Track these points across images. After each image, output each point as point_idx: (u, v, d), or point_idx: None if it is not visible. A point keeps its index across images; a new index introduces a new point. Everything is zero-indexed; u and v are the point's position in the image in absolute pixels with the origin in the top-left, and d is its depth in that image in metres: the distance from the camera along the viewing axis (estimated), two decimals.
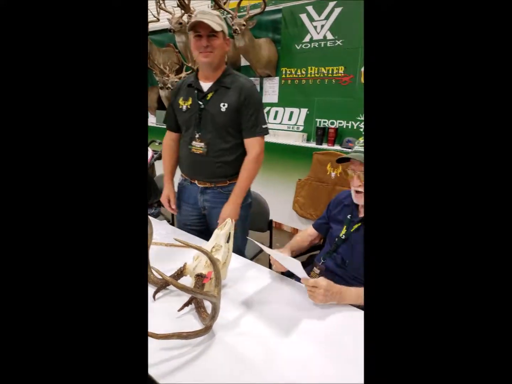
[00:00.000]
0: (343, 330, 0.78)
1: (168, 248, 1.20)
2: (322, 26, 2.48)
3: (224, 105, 1.20)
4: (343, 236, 1.05)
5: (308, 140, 2.70)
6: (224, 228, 0.95)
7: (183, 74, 3.06)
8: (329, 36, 2.45)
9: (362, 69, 2.35)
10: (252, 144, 1.24)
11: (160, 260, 1.02)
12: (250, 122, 1.21)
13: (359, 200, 1.00)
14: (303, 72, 2.66)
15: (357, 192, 0.99)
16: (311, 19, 2.53)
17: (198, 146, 1.25)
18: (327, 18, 2.44)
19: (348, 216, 1.06)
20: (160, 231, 1.29)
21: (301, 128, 2.77)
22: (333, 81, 2.51)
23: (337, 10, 2.38)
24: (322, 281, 0.85)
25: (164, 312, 0.83)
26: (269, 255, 0.98)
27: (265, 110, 2.98)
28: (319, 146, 2.51)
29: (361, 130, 2.43)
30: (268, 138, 2.68)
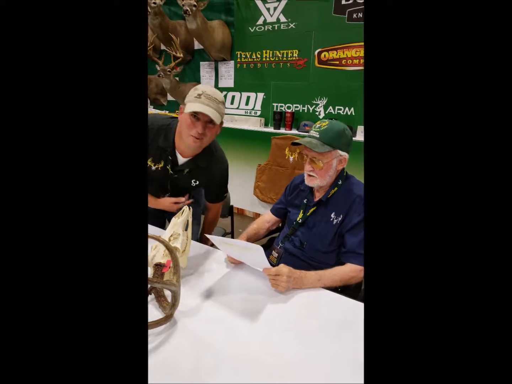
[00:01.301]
0: (305, 312, 0.81)
1: None
2: (275, 8, 2.46)
3: (195, 182, 1.24)
4: (300, 220, 1.07)
5: (266, 125, 2.72)
6: (182, 216, 0.93)
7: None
8: (282, 18, 2.45)
9: (316, 52, 2.38)
10: (213, 207, 1.36)
11: None
12: (214, 194, 1.31)
13: (310, 183, 1.02)
14: (258, 56, 2.64)
15: (309, 175, 1.01)
16: (264, 1, 2.49)
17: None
18: (279, 0, 2.42)
19: (304, 201, 1.09)
20: None
21: (259, 113, 2.77)
22: (288, 64, 2.52)
23: None
24: (283, 267, 0.85)
25: None
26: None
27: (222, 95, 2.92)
28: (277, 131, 2.53)
29: (317, 114, 2.49)
30: (226, 124, 2.67)
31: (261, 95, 2.72)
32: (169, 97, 3.31)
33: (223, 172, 1.25)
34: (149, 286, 0.82)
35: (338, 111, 2.39)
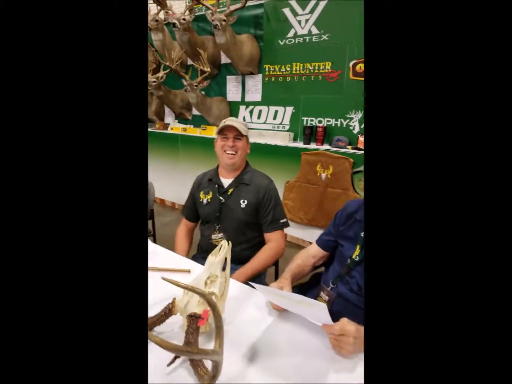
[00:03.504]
0: None
1: (156, 273, 1.01)
2: (307, 20, 2.35)
3: (244, 202, 1.25)
4: (357, 257, 0.89)
5: (295, 139, 2.58)
6: (220, 254, 0.79)
7: (160, 74, 2.84)
8: (314, 30, 2.33)
9: (351, 64, 2.24)
10: (273, 238, 1.26)
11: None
12: (268, 218, 1.25)
13: None
14: (288, 69, 2.53)
15: None
16: (295, 14, 2.39)
17: (218, 237, 1.27)
18: (311, 12, 2.32)
19: (362, 234, 0.91)
20: None
21: (287, 127, 2.64)
22: (320, 77, 2.39)
23: (322, 4, 2.26)
24: (349, 325, 0.67)
25: (150, 366, 0.65)
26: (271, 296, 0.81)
27: (248, 110, 2.83)
28: (307, 146, 2.38)
29: (351, 128, 2.33)
30: (252, 139, 2.54)
31: (290, 109, 2.59)
32: (194, 112, 3.24)
33: (270, 189, 1.26)
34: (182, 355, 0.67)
35: None
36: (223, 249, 0.80)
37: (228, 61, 2.77)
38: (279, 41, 2.51)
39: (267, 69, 2.64)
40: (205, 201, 1.31)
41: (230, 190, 1.27)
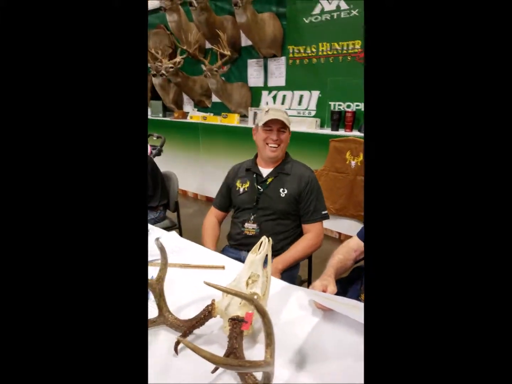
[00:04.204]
0: None
1: (180, 269, 0.97)
2: None
3: (284, 191, 1.20)
4: None
5: (322, 126, 2.46)
6: (261, 252, 0.72)
7: (178, 59, 2.76)
8: (343, 5, 2.17)
9: None
10: (313, 229, 1.22)
11: (173, 289, 0.79)
12: (310, 208, 1.21)
13: None
14: (314, 50, 2.39)
15: None
16: None
17: (251, 228, 1.23)
18: None
19: None
20: (170, 245, 1.05)
21: (313, 113, 2.52)
22: (349, 58, 2.24)
23: None
24: None
25: (192, 373, 0.61)
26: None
27: (271, 95, 2.72)
28: (335, 133, 2.27)
29: None
30: None
31: (316, 94, 2.47)
32: (214, 99, 3.16)
33: (312, 179, 1.22)
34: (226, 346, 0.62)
35: None
36: (264, 246, 0.73)
37: (249, 43, 2.65)
38: (304, 18, 2.37)
39: (291, 51, 2.50)
40: (241, 189, 1.27)
41: (269, 180, 1.23)
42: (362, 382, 0.56)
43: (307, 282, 1.40)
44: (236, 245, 1.28)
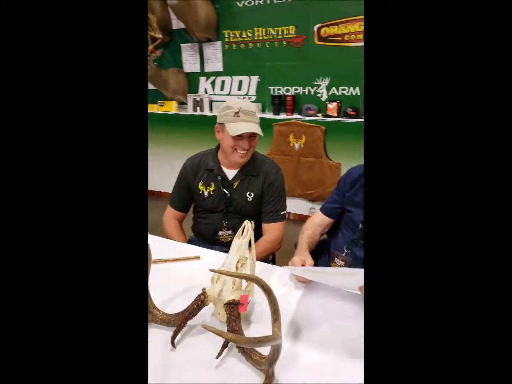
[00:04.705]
0: None
1: (163, 264, 0.93)
2: None
3: (250, 195, 1.16)
4: None
5: (263, 110, 2.51)
6: (246, 236, 0.74)
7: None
8: None
9: (316, 27, 2.19)
10: (271, 230, 1.17)
11: (151, 286, 0.76)
12: (269, 207, 1.16)
13: None
14: (249, 35, 2.40)
15: None
16: None
17: (226, 234, 1.19)
18: None
19: None
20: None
21: (254, 98, 2.55)
22: (284, 43, 2.31)
23: None
24: None
25: (195, 363, 0.61)
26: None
27: (209, 81, 2.67)
28: (277, 117, 2.34)
29: (319, 95, 2.32)
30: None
31: (255, 79, 2.49)
32: (148, 86, 2.97)
33: (277, 178, 1.17)
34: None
35: (343, 92, 2.24)
36: (247, 230, 0.75)
37: (181, 26, 2.54)
38: (237, 3, 2.35)
39: (226, 35, 2.47)
40: (206, 193, 1.18)
41: (236, 183, 1.15)
42: (349, 336, 0.64)
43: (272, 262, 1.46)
44: (207, 242, 1.23)
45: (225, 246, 1.16)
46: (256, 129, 1.05)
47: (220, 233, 1.19)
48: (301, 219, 2.34)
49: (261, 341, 0.49)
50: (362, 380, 0.57)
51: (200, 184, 1.18)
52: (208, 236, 1.21)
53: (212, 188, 1.17)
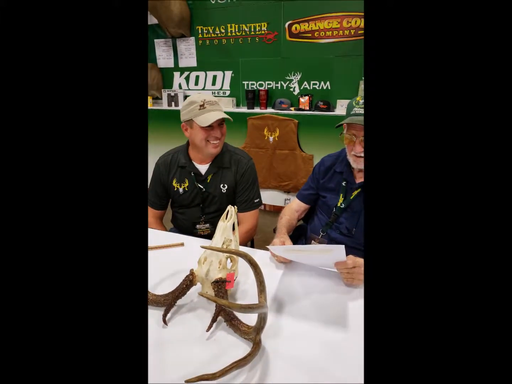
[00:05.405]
0: None
1: (149, 252, 0.96)
2: None
3: (224, 186, 1.19)
4: (342, 204, 0.99)
5: (237, 105, 2.55)
6: (230, 219, 0.79)
7: None
8: None
9: (287, 24, 2.26)
10: (246, 218, 1.20)
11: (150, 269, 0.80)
12: (243, 197, 1.19)
13: (359, 164, 0.94)
14: (223, 31, 2.42)
15: (359, 157, 0.92)
16: None
17: (204, 228, 1.22)
18: None
19: (343, 183, 1.01)
20: None
21: (228, 92, 2.58)
22: (257, 39, 2.36)
23: None
24: (357, 258, 0.77)
25: (187, 337, 0.66)
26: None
27: (183, 76, 2.67)
28: (251, 111, 2.39)
29: (291, 90, 2.40)
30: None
31: (229, 74, 2.53)
32: None
33: (248, 168, 1.19)
34: (214, 307, 0.68)
35: (314, 86, 2.33)
36: (231, 214, 0.80)
37: (153, 21, 2.52)
38: (210, 0, 2.37)
39: (200, 31, 2.48)
40: (181, 190, 1.20)
41: (209, 177, 1.18)
42: (338, 310, 0.72)
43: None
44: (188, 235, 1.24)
45: (204, 238, 1.18)
46: (224, 115, 1.08)
47: (198, 226, 1.22)
48: (277, 210, 2.41)
49: (251, 307, 0.54)
50: (337, 342, 0.66)
51: (174, 181, 1.20)
52: (187, 229, 1.24)
53: (187, 184, 1.19)
